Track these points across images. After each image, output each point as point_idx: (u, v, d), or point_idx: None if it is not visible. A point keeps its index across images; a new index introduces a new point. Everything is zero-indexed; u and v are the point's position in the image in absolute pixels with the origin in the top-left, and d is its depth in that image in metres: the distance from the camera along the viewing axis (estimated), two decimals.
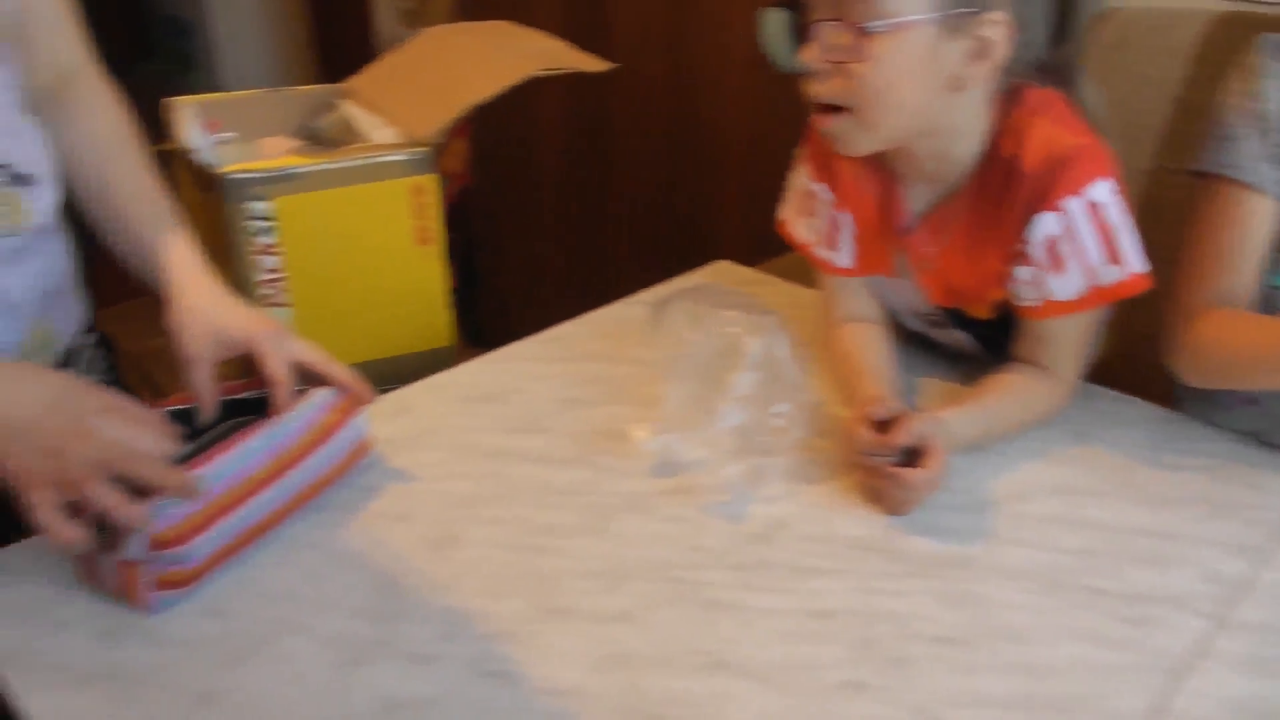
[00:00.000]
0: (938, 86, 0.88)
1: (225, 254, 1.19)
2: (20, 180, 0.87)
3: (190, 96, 1.40)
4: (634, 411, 1.05)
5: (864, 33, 0.84)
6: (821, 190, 1.05)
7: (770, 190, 2.26)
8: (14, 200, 0.86)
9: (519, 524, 0.90)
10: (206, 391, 0.87)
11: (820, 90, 0.90)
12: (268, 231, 1.18)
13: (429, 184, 1.24)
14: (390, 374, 1.40)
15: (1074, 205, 0.90)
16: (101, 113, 0.99)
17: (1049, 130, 0.91)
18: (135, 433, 0.75)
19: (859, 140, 0.92)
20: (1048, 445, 0.99)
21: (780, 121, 2.17)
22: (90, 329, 1.02)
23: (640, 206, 2.42)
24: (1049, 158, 0.90)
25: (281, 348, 0.88)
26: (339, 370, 0.92)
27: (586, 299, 2.74)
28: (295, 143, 1.48)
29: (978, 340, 1.06)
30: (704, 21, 2.16)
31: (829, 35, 0.86)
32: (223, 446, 0.80)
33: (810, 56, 0.88)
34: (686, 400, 1.00)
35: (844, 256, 1.06)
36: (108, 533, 0.75)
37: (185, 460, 0.78)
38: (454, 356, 1.40)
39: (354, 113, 1.48)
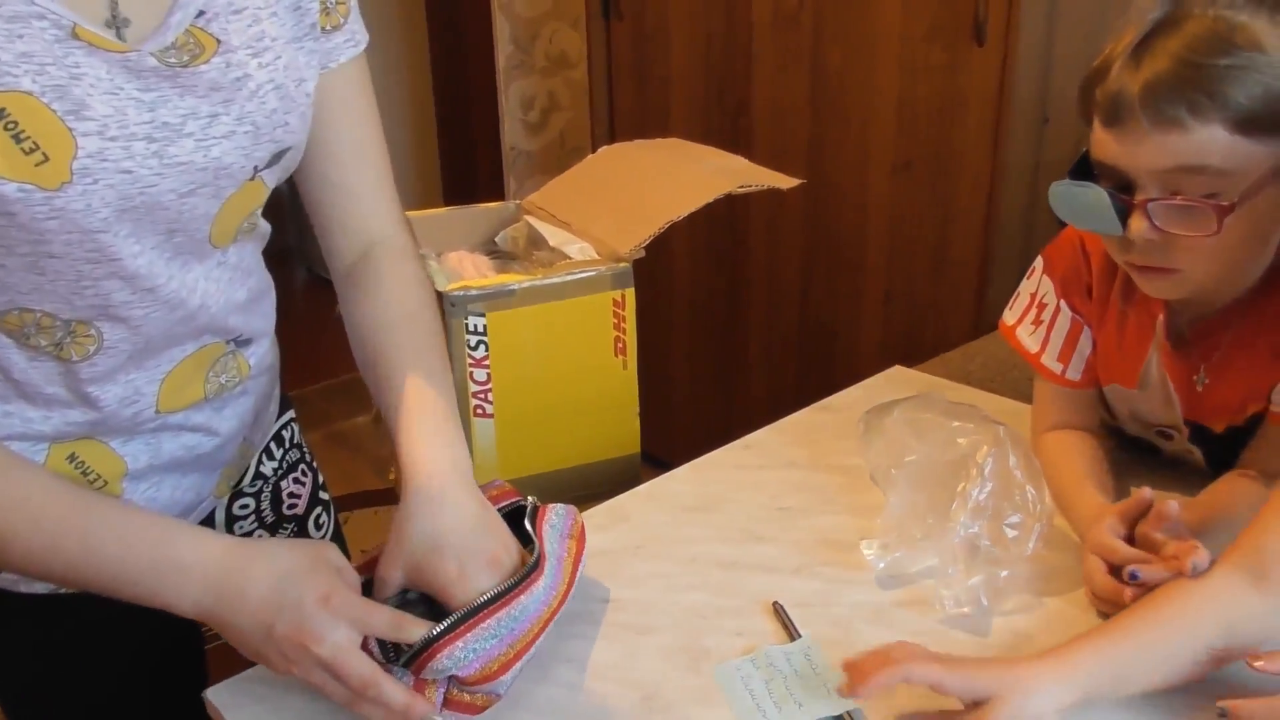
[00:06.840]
0: (1271, 240, 0.90)
1: None
2: (243, 344, 0.94)
3: None
4: (852, 520, 1.06)
5: (1211, 209, 0.84)
6: (1064, 305, 1.07)
7: (909, 293, 2.26)
8: (238, 362, 0.94)
9: (763, 636, 0.91)
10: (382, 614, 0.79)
11: (1146, 259, 0.90)
12: (481, 346, 1.23)
13: (628, 297, 1.28)
14: (580, 482, 1.43)
15: None
16: (392, 291, 0.94)
17: None
18: (352, 633, 0.76)
19: (1176, 291, 0.93)
20: None
21: (920, 225, 2.20)
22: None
23: (775, 311, 2.45)
24: None
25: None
26: None
27: (717, 404, 2.76)
28: (479, 256, 1.53)
29: (1206, 454, 1.05)
30: (845, 126, 2.21)
31: (1163, 212, 0.86)
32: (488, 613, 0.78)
33: (1139, 231, 0.87)
34: (910, 510, 1.00)
35: (1074, 370, 1.07)
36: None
37: (449, 630, 0.76)
38: (639, 464, 1.43)
39: (536, 226, 1.53)
